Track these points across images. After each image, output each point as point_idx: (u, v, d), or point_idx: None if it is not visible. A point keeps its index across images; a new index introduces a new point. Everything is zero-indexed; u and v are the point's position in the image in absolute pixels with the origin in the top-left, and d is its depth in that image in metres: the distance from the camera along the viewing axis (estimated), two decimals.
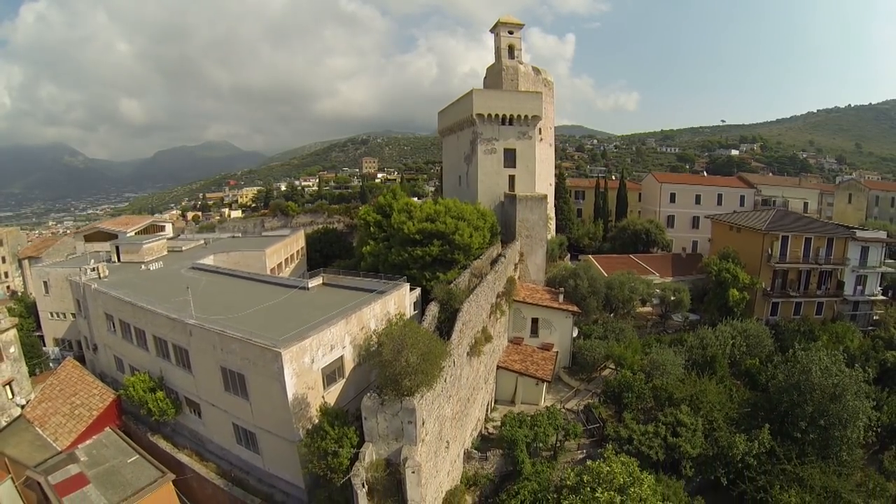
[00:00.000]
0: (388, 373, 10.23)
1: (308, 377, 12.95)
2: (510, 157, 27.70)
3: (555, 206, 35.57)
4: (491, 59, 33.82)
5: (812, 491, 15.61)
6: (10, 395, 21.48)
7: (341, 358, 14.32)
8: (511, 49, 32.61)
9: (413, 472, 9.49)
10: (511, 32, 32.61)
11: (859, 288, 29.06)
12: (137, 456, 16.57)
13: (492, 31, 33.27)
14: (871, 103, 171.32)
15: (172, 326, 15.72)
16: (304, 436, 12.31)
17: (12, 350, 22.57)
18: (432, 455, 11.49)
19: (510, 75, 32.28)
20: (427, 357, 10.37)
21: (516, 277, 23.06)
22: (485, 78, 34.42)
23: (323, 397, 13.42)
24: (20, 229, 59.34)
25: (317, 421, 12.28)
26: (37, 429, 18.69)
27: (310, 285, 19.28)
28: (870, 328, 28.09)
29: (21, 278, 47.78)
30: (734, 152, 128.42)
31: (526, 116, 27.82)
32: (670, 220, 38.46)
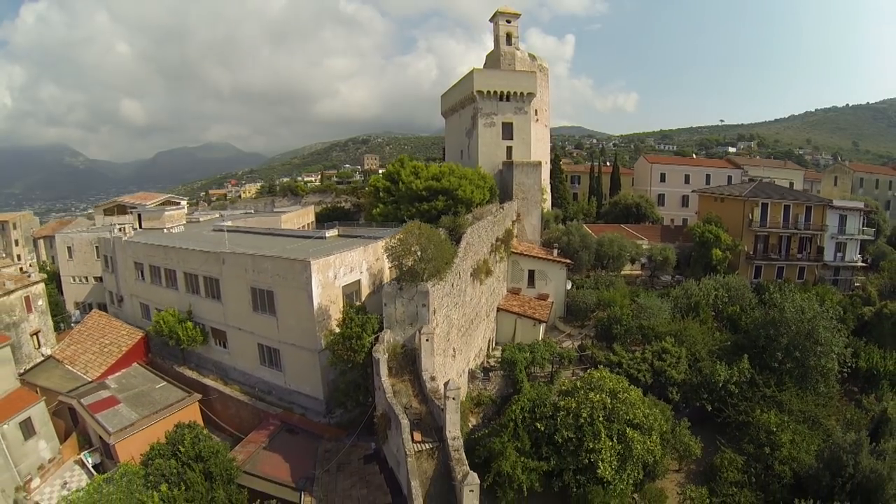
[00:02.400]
0: (407, 259, 12.02)
1: (331, 291, 14.71)
2: (507, 131, 29.89)
3: (550, 185, 37.65)
4: None
5: (790, 414, 17.29)
6: (36, 345, 23.13)
7: (358, 282, 16.10)
8: (508, 37, 34.93)
9: (427, 340, 11.21)
10: (508, 21, 34.97)
11: (839, 255, 31.05)
12: (165, 383, 18.19)
13: (491, 20, 35.59)
14: (868, 102, 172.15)
15: (205, 259, 17.48)
16: (325, 345, 14.07)
17: (40, 303, 24.29)
18: (441, 354, 13.21)
19: (508, 60, 34.54)
20: (439, 250, 12.23)
21: (514, 233, 24.96)
22: (484, 64, 36.66)
23: (341, 314, 15.19)
24: (33, 214, 60.89)
25: (337, 331, 14.02)
26: (67, 366, 20.24)
27: (326, 235, 21.10)
28: (850, 294, 30.05)
29: (35, 258, 49.34)
30: (731, 150, 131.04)
31: (521, 93, 30.05)
32: (661, 199, 40.48)
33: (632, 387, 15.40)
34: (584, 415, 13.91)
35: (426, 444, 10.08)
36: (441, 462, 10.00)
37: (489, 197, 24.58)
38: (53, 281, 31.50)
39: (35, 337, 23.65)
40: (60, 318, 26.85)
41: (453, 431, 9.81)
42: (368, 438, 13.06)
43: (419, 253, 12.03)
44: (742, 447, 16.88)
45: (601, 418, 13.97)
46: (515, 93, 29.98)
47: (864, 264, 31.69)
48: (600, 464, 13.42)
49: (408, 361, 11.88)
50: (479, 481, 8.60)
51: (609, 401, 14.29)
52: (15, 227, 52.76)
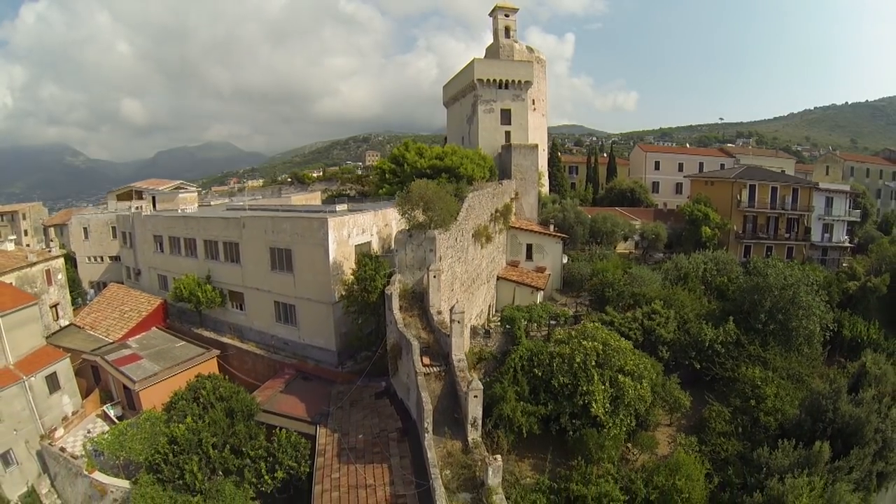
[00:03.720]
0: (415, 203, 13.23)
1: (345, 248, 15.88)
2: (506, 117, 31.34)
3: (548, 173, 38.98)
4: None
5: (774, 371, 18.35)
6: (55, 317, 24.19)
7: (369, 243, 17.28)
8: (507, 30, 36.50)
9: (434, 277, 12.33)
10: (507, 15, 36.56)
11: (827, 235, 32.31)
12: (184, 342, 19.27)
13: (490, 14, 37.15)
14: (867, 100, 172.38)
15: (226, 226, 18.65)
16: (339, 298, 15.20)
17: (60, 277, 25.39)
18: (445, 302, 14.31)
19: (507, 52, 36.04)
20: (444, 203, 13.46)
21: (513, 210, 26.19)
22: (484, 56, 38.16)
23: (355, 265, 16.35)
24: (42, 205, 61.96)
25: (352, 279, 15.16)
26: (88, 331, 21.29)
27: (337, 209, 22.30)
28: (837, 271, 31.17)
29: (45, 247, 50.29)
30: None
31: (519, 81, 31.52)
32: (655, 186, 41.77)
33: (623, 339, 16.52)
34: (578, 360, 15.00)
35: (434, 368, 11.17)
36: (448, 383, 11.10)
37: (489, 176, 25.83)
38: (69, 262, 32.55)
39: (54, 309, 24.70)
40: (77, 294, 27.90)
41: (458, 354, 10.90)
42: (378, 380, 14.15)
43: (426, 203, 13.23)
44: (729, 401, 17.95)
45: (594, 363, 15.06)
46: (513, 81, 31.43)
47: (851, 245, 32.94)
48: (594, 404, 14.48)
49: (416, 301, 13.00)
50: (482, 387, 9.69)
51: (601, 347, 15.40)
52: (24, 218, 53.85)
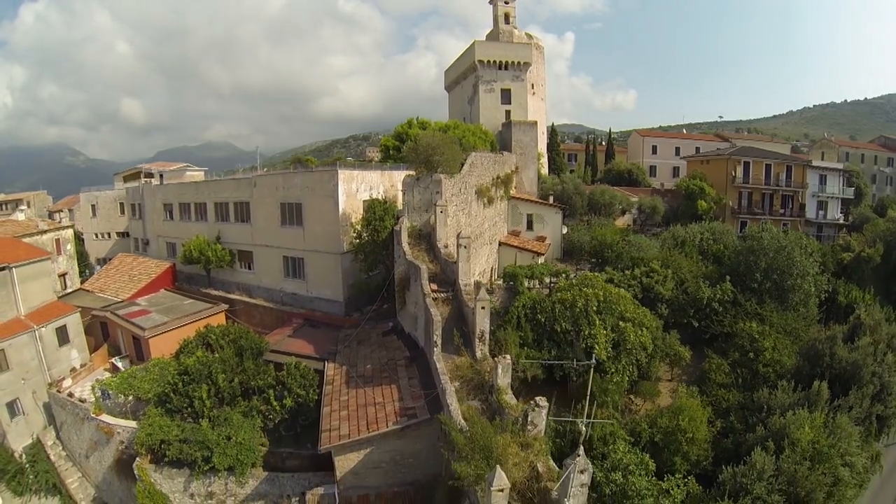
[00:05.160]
0: (423, 154, 13.73)
1: (353, 202, 16.34)
2: (506, 96, 32.14)
3: (548, 157, 39.65)
4: None
5: (771, 326, 18.77)
6: (63, 287, 24.47)
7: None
8: (507, 16, 37.44)
9: (441, 212, 12.74)
10: (506, 2, 37.50)
11: (821, 212, 32.91)
12: (193, 300, 19.56)
13: (490, 2, 38.12)
14: (866, 98, 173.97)
15: (237, 186, 19.15)
16: (346, 248, 15.61)
17: (69, 247, 25.75)
18: (451, 238, 14.70)
19: (506, 37, 36.89)
20: (450, 150, 13.95)
21: (514, 183, 26.73)
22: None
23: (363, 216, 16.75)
24: (46, 193, 62.17)
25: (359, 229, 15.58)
26: (97, 294, 21.57)
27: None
28: (832, 245, 31.75)
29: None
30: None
31: (518, 63, 32.37)
32: (652, 170, 42.39)
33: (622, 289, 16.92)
34: (580, 305, 15.37)
35: (441, 294, 11.54)
36: (454, 307, 11.46)
37: (490, 149, 26.40)
38: (77, 240, 32.86)
39: (63, 278, 24.99)
40: (84, 266, 28.23)
41: (465, 279, 11.28)
42: (386, 322, 14.48)
43: (433, 150, 13.74)
44: (728, 356, 18.29)
45: (595, 310, 15.43)
46: (513, 62, 32.29)
47: (846, 223, 33.54)
48: (596, 346, 14.82)
49: (423, 240, 13.41)
50: (488, 297, 10.05)
51: (602, 295, 15.78)
52: (29, 206, 54.12)
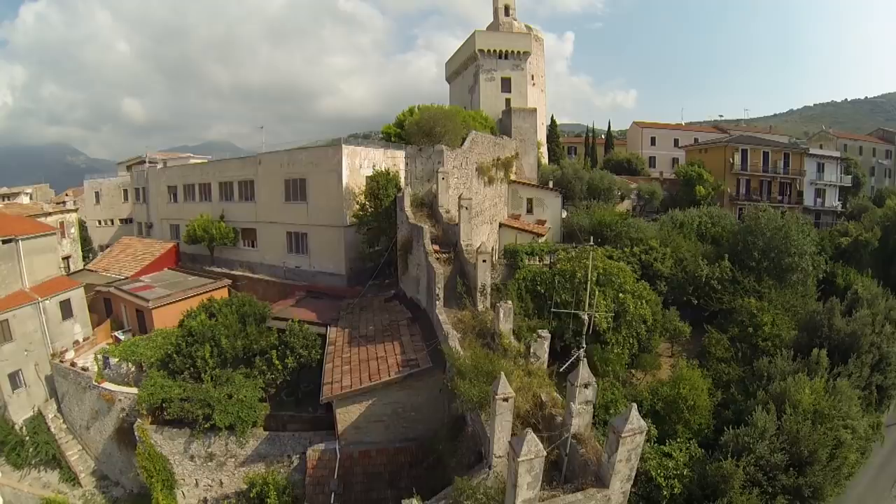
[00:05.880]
0: (425, 125, 13.93)
1: (356, 177, 16.54)
2: (506, 85, 32.49)
3: (548, 148, 39.99)
4: None
5: (770, 302, 18.90)
6: (67, 270, 24.60)
7: None
8: (507, 8, 37.94)
9: (443, 179, 12.90)
10: None
11: (819, 200, 33.13)
12: (196, 277, 19.67)
13: None
14: (866, 97, 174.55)
15: (242, 165, 19.39)
16: (349, 222, 15.80)
17: (73, 231, 25.92)
18: (453, 203, 14.85)
19: (506, 28, 37.36)
20: (452, 123, 14.17)
21: (513, 168, 26.94)
22: None
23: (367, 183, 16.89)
24: (49, 186, 62.39)
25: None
26: (101, 273, 21.68)
27: None
28: (829, 230, 31.92)
29: None
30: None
31: (518, 52, 32.79)
32: (651, 161, 42.66)
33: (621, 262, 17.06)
34: (579, 276, 15.50)
35: (443, 254, 11.68)
36: (456, 266, 11.59)
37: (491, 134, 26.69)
38: (80, 227, 33.03)
39: (66, 262, 25.14)
40: (88, 251, 28.40)
41: (466, 239, 11.43)
42: (388, 290, 14.62)
43: (435, 121, 13.95)
44: (727, 331, 18.40)
45: (595, 281, 15.54)
46: (512, 51, 32.71)
47: (843, 211, 33.75)
48: (597, 316, 14.91)
49: (425, 207, 13.57)
50: (490, 250, 10.19)
51: (601, 266, 15.92)
52: (31, 199, 54.36)
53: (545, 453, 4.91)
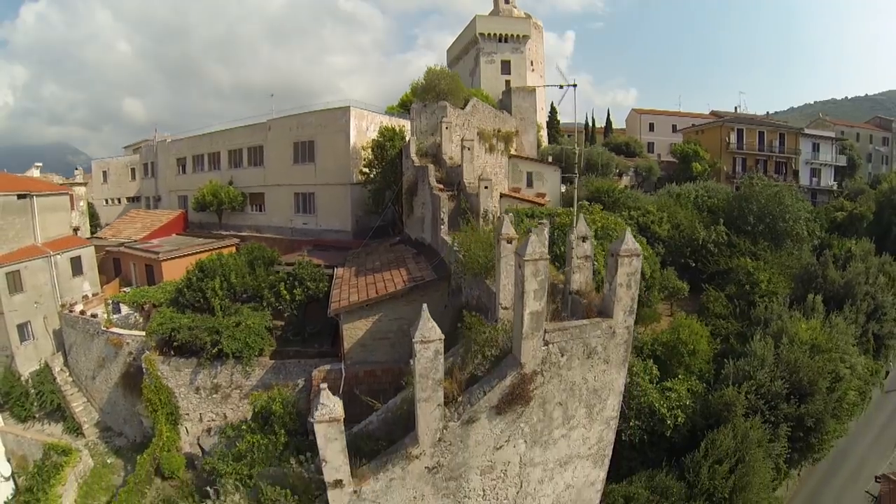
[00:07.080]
0: (429, 81, 14.51)
1: (363, 138, 17.15)
2: (506, 67, 33.36)
3: (548, 135, 40.74)
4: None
5: (766, 262, 19.28)
6: None
7: None
8: None
9: (446, 129, 13.41)
10: None
11: (815, 179, 33.64)
12: (204, 240, 20.13)
13: None
14: (867, 94, 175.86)
15: (251, 132, 20.01)
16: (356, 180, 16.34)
17: (81, 204, 26.43)
18: (456, 150, 15.35)
19: (506, 14, 38.39)
20: (455, 84, 14.84)
21: (514, 144, 27.50)
22: None
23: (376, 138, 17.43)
24: (55, 175, 62.99)
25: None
26: (110, 238, 22.12)
27: None
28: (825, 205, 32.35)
29: None
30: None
31: (517, 35, 33.73)
32: (650, 147, 43.26)
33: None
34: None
35: (447, 192, 12.11)
36: (457, 204, 12.02)
37: None
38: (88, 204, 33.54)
39: (76, 233, 25.57)
40: (95, 225, 28.90)
41: (469, 178, 11.86)
42: (392, 238, 15.04)
43: (438, 78, 14.56)
44: (725, 290, 18.74)
45: (594, 235, 15.91)
46: (512, 35, 33.69)
47: (839, 191, 34.23)
48: (595, 262, 15.29)
49: (429, 157, 14.02)
50: (491, 179, 10.61)
51: (599, 220, 16.34)
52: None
53: (548, 257, 5.11)
